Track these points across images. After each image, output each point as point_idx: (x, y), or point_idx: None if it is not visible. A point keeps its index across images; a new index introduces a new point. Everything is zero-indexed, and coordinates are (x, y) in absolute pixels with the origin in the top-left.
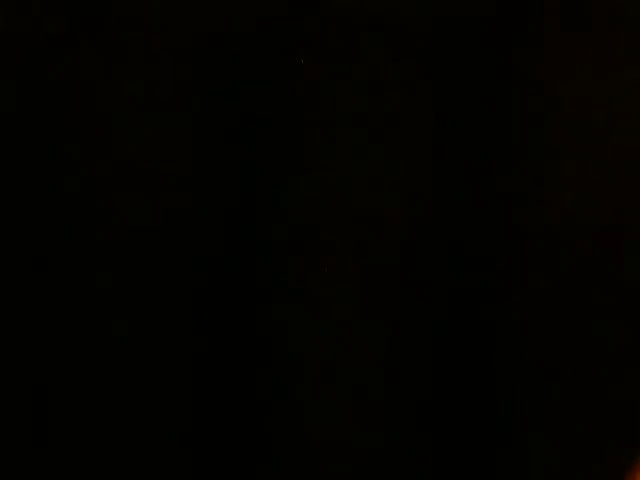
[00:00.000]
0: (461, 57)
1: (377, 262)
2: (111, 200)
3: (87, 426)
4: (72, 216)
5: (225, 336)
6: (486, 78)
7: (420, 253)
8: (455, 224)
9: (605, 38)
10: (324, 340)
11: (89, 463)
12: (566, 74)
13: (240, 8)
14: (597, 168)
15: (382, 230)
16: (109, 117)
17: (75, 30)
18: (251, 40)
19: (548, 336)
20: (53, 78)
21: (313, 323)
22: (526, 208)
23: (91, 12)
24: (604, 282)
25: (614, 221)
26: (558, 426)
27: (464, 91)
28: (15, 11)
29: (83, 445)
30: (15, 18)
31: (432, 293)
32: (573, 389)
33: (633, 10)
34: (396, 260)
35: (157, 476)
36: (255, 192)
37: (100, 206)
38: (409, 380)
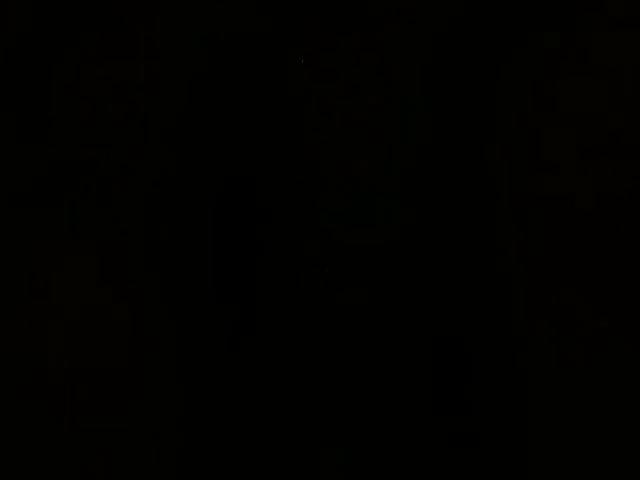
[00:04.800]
0: (458, 61)
1: None
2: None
3: None
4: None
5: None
6: (482, 75)
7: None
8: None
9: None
10: None
11: None
12: (563, 70)
13: (241, 8)
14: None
15: None
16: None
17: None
18: (251, 40)
19: None
20: (52, 71)
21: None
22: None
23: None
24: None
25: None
26: None
27: (460, 97)
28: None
29: None
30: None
31: None
32: None
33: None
34: None
35: None
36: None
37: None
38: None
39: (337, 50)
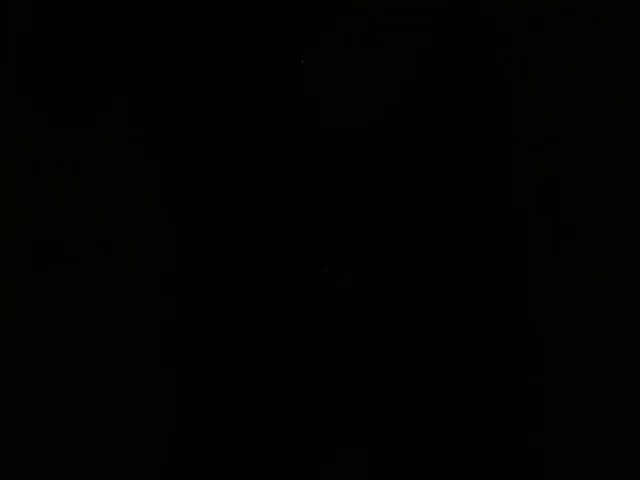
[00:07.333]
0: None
1: None
2: None
3: None
4: None
5: None
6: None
7: None
8: None
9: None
10: None
11: None
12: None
13: (242, 8)
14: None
15: None
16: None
17: None
18: (252, 39)
19: None
20: None
21: None
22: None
23: None
24: None
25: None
26: None
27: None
28: None
29: None
30: None
31: None
32: None
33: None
34: None
35: None
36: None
37: None
38: None
39: (337, 50)
